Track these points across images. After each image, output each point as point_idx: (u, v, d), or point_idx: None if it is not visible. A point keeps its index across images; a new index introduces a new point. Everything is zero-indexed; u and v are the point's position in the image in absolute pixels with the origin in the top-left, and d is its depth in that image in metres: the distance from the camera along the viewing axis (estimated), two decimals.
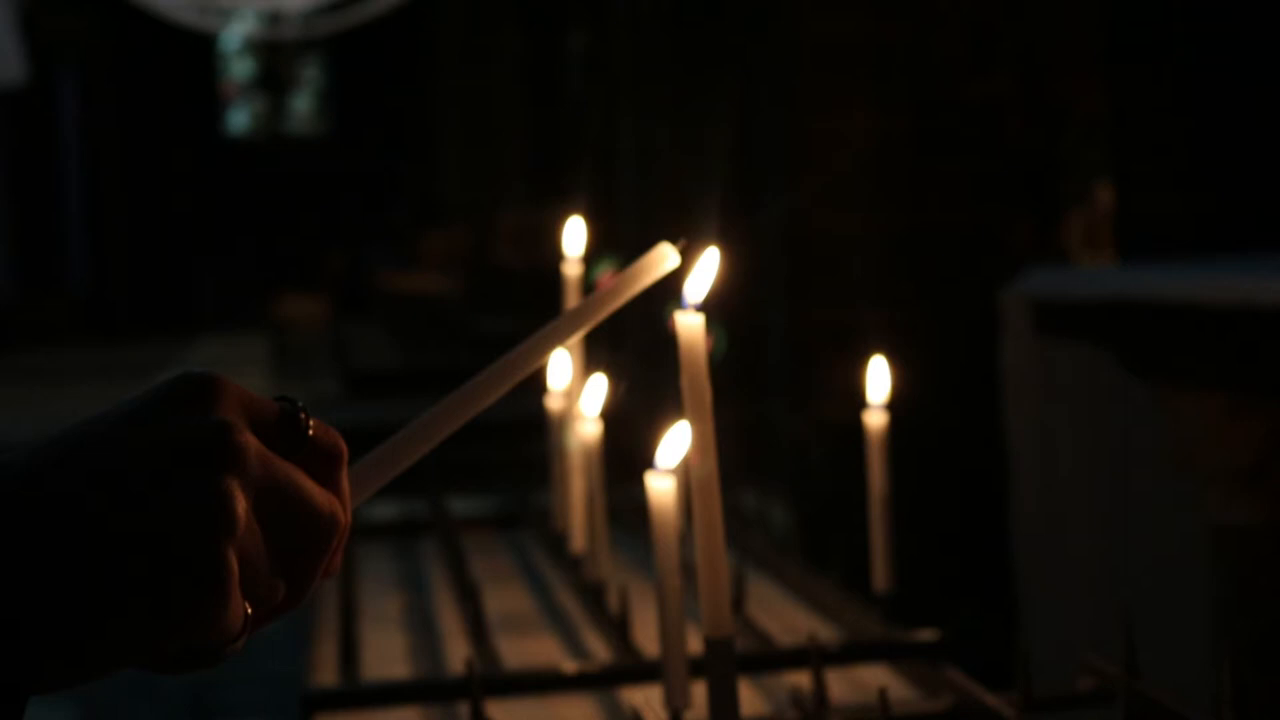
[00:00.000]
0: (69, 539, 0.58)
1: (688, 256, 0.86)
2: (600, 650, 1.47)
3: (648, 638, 1.35)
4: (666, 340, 0.92)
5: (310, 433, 0.66)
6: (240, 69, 18.23)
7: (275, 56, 17.97)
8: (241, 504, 0.60)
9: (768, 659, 1.35)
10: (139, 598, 0.58)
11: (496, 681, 1.28)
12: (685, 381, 0.90)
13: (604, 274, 1.63)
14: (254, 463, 0.62)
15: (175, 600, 0.59)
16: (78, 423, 0.62)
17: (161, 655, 0.60)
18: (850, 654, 1.37)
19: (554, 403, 1.61)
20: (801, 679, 1.22)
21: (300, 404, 0.67)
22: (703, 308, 0.89)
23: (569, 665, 1.38)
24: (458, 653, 1.44)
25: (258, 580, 0.62)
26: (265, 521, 0.62)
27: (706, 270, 0.89)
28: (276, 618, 0.66)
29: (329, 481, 0.66)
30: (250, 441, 0.62)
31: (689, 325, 0.89)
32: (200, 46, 16.59)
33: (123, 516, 0.58)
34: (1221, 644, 2.27)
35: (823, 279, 3.80)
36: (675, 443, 0.94)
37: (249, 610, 0.62)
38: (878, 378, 1.38)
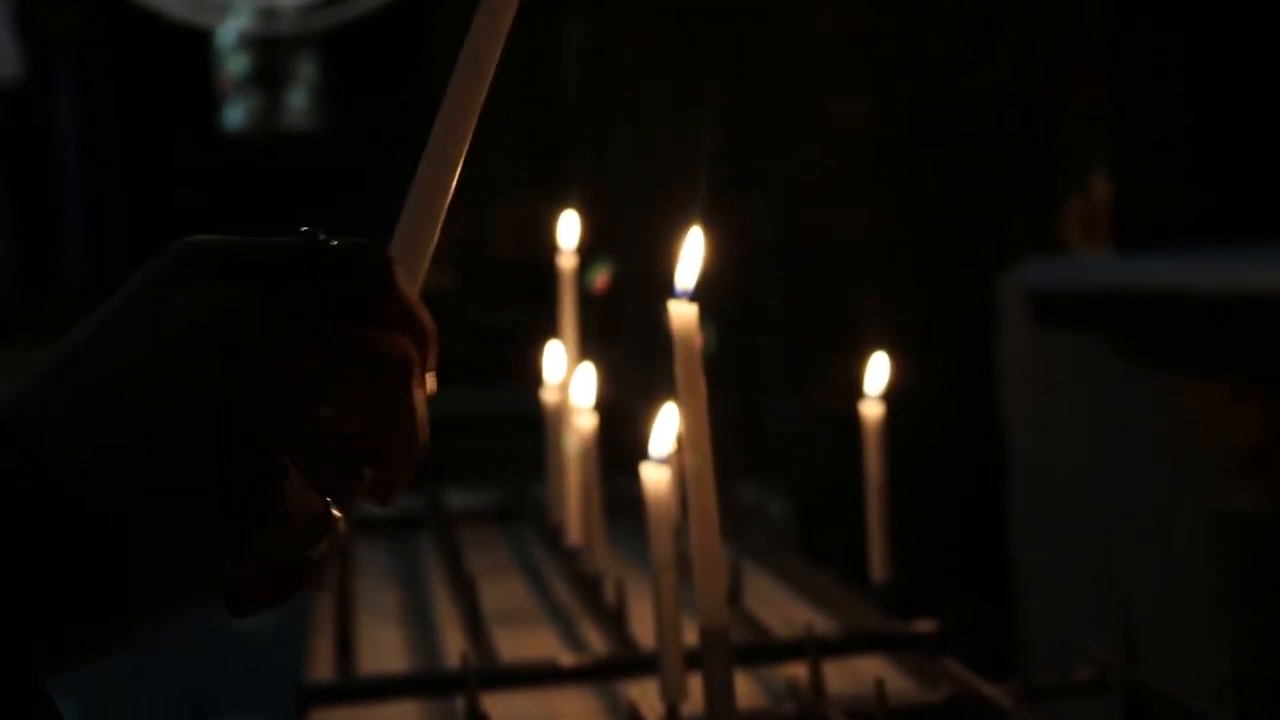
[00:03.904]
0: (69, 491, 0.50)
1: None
2: (597, 643, 1.46)
3: (644, 630, 1.34)
4: (660, 331, 0.91)
5: (340, 258, 0.55)
6: (236, 65, 18.22)
7: (270, 52, 17.96)
8: (268, 385, 0.52)
9: (764, 650, 1.35)
10: (169, 523, 0.50)
11: (493, 675, 1.28)
12: (679, 371, 0.90)
13: (600, 276, 1.63)
14: (274, 326, 0.53)
15: (213, 516, 0.51)
16: (53, 361, 0.53)
17: (224, 582, 0.53)
18: (847, 645, 1.36)
19: (549, 396, 1.61)
20: (798, 670, 1.21)
21: (319, 232, 0.56)
22: (695, 297, 0.89)
23: (565, 658, 1.37)
24: (454, 646, 1.44)
25: (321, 465, 0.54)
26: (314, 389, 0.53)
27: (694, 255, 0.89)
28: (391, 490, 0.57)
29: (381, 297, 0.55)
30: (263, 302, 0.53)
31: (682, 314, 0.89)
32: (197, 42, 16.58)
33: (130, 429, 0.51)
34: (1222, 633, 2.27)
35: (819, 269, 3.79)
36: (665, 428, 0.94)
37: (326, 502, 0.54)
38: (876, 370, 1.37)
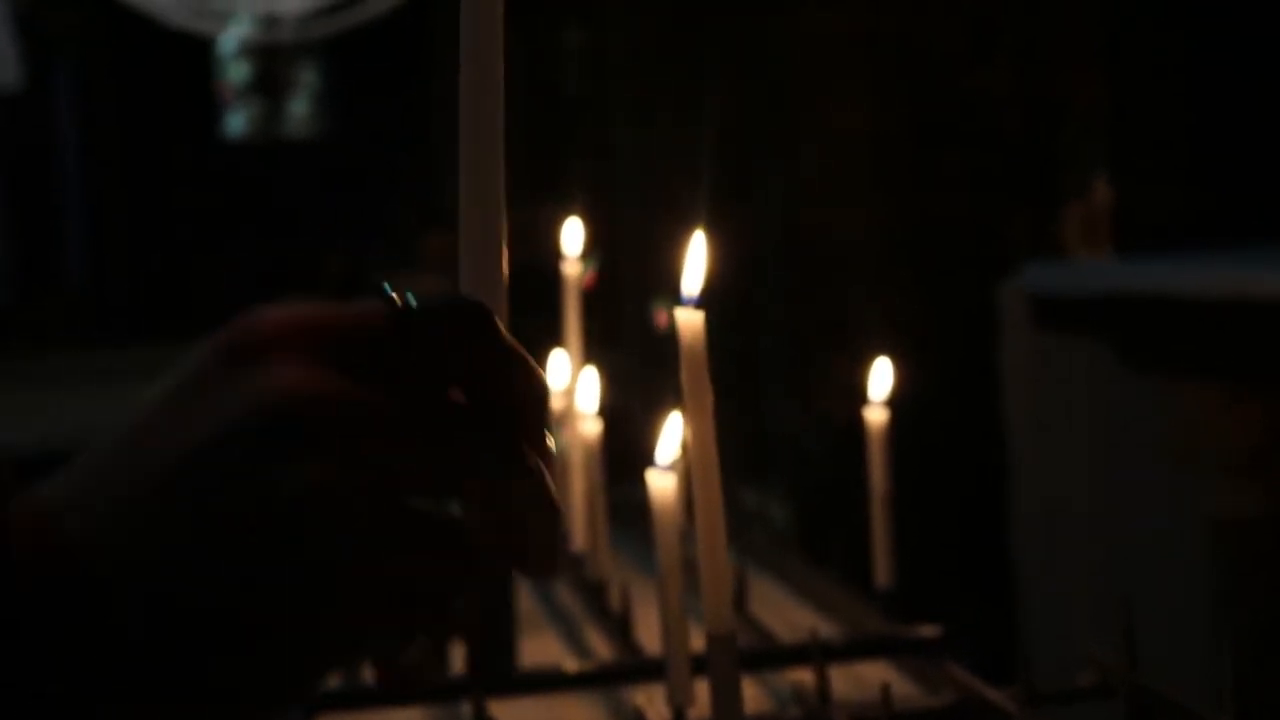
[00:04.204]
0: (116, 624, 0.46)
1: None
2: (602, 649, 1.47)
3: (649, 636, 1.34)
4: (664, 337, 0.92)
5: (432, 321, 0.48)
6: (236, 72, 18.23)
7: (271, 60, 17.96)
8: (339, 493, 0.45)
9: (770, 656, 1.35)
10: (225, 652, 0.46)
11: (499, 681, 1.28)
12: (685, 377, 0.90)
13: (589, 272, 1.64)
14: (349, 414, 0.46)
15: (269, 651, 0.46)
16: (104, 453, 0.48)
17: (292, 698, 0.48)
18: (852, 650, 1.37)
19: (552, 401, 1.61)
20: (804, 675, 1.22)
21: (388, 285, 0.49)
22: (701, 302, 0.89)
23: (571, 664, 1.37)
24: (459, 651, 1.44)
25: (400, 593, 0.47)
26: (405, 472, 0.46)
27: (697, 258, 0.89)
28: (550, 565, 0.50)
29: (485, 356, 0.48)
30: (337, 392, 0.46)
31: (689, 320, 0.89)
32: (198, 48, 16.58)
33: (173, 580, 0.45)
34: (1222, 634, 2.27)
35: (820, 272, 3.80)
36: (671, 434, 0.95)
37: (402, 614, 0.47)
38: (880, 375, 1.38)
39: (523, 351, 0.50)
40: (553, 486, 0.50)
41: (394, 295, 0.49)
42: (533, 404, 0.50)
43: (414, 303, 0.48)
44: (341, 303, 0.50)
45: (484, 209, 0.56)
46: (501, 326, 0.49)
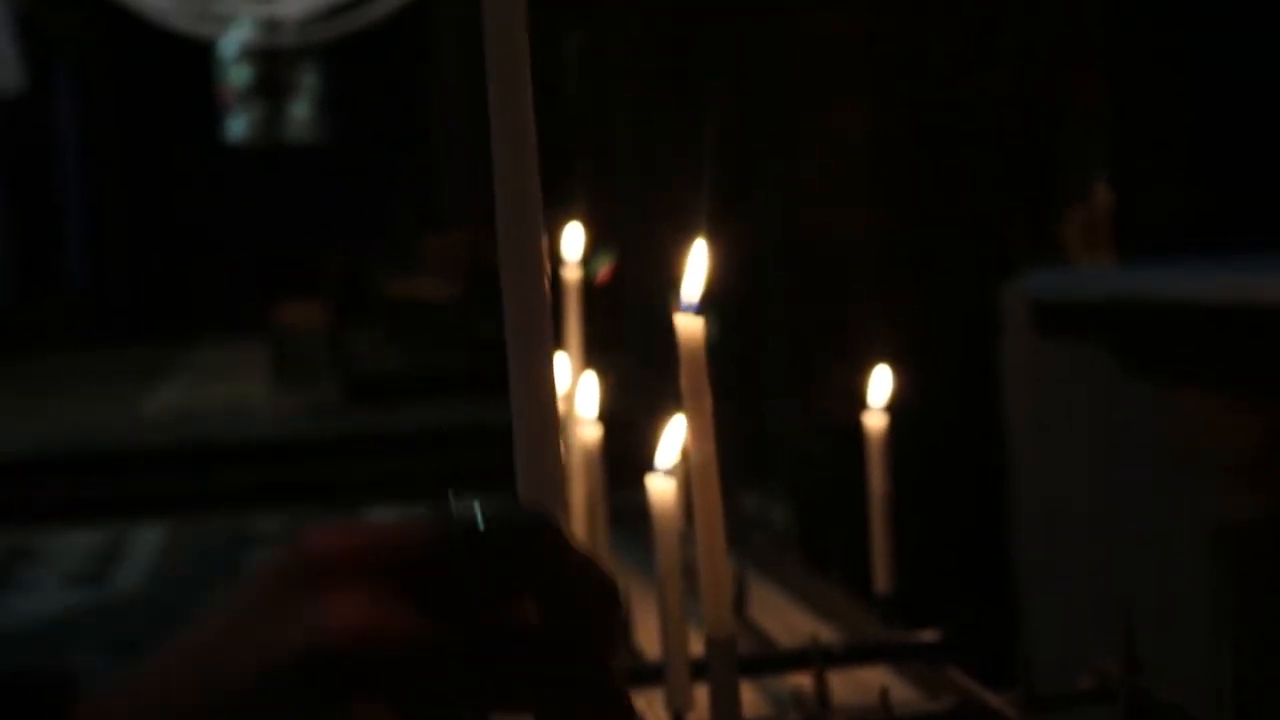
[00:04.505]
0: None
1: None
2: None
3: (649, 640, 1.34)
4: (665, 339, 0.92)
5: (500, 540, 0.46)
6: (238, 76, 18.24)
7: (272, 63, 17.98)
8: None
9: (769, 660, 1.35)
10: None
11: None
12: (685, 383, 0.90)
13: (603, 267, 1.63)
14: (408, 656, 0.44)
15: None
16: (152, 679, 0.47)
17: None
18: (852, 655, 1.36)
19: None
20: (803, 680, 1.22)
21: (475, 502, 0.46)
22: (701, 308, 0.89)
23: None
24: None
25: None
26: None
27: (698, 264, 0.89)
28: None
29: (555, 571, 0.46)
30: (390, 627, 0.44)
31: (688, 325, 0.89)
32: (199, 51, 16.59)
33: None
34: (1222, 638, 2.27)
35: (821, 276, 3.80)
36: (671, 439, 0.95)
37: None
38: (879, 381, 1.38)
39: (593, 561, 0.48)
40: (631, 703, 0.49)
41: (458, 507, 0.46)
42: (604, 616, 0.48)
43: (480, 519, 0.46)
44: (400, 521, 0.47)
45: (538, 401, 0.52)
46: (571, 538, 0.47)
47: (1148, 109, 3.13)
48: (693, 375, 0.90)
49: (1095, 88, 3.61)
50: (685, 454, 0.94)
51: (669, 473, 0.97)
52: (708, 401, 0.91)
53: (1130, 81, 3.20)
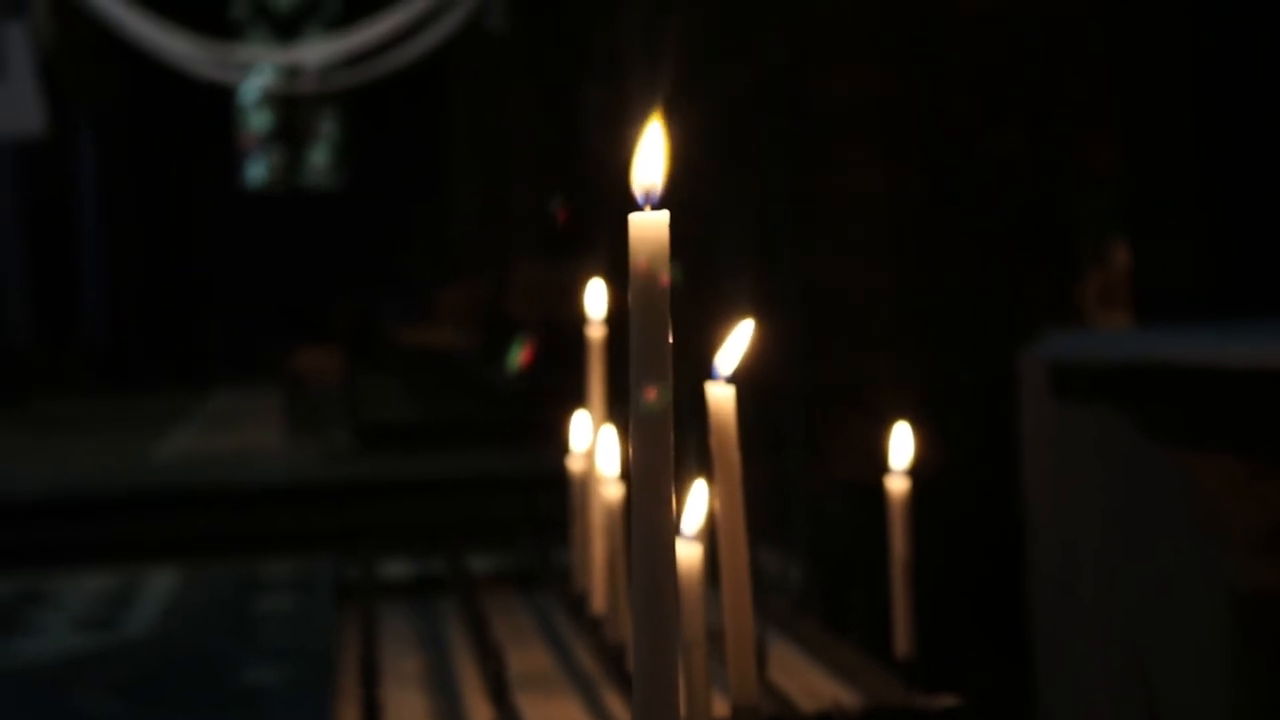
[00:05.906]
0: None
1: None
2: (621, 713, 1.46)
3: None
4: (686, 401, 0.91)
5: None
6: (258, 121, 18.35)
7: (292, 110, 18.09)
8: None
9: None
10: None
11: None
12: (715, 452, 0.91)
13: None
14: None
15: None
16: None
17: None
18: (872, 719, 1.36)
19: (575, 464, 1.62)
20: None
21: None
22: (732, 379, 0.90)
23: None
24: (480, 713, 1.44)
25: None
26: None
27: (739, 341, 0.90)
28: None
29: None
30: None
31: (719, 395, 0.90)
32: (219, 98, 16.70)
33: None
34: (1241, 710, 2.26)
35: (839, 339, 3.80)
36: (695, 504, 0.95)
37: None
38: (900, 443, 1.38)
39: None
40: None
41: None
42: None
43: None
44: None
45: None
46: None
47: (1164, 170, 3.14)
48: (723, 446, 0.90)
49: (1111, 149, 3.63)
50: (713, 519, 0.94)
51: (694, 538, 0.97)
52: (737, 473, 0.91)
53: (1146, 143, 3.21)
